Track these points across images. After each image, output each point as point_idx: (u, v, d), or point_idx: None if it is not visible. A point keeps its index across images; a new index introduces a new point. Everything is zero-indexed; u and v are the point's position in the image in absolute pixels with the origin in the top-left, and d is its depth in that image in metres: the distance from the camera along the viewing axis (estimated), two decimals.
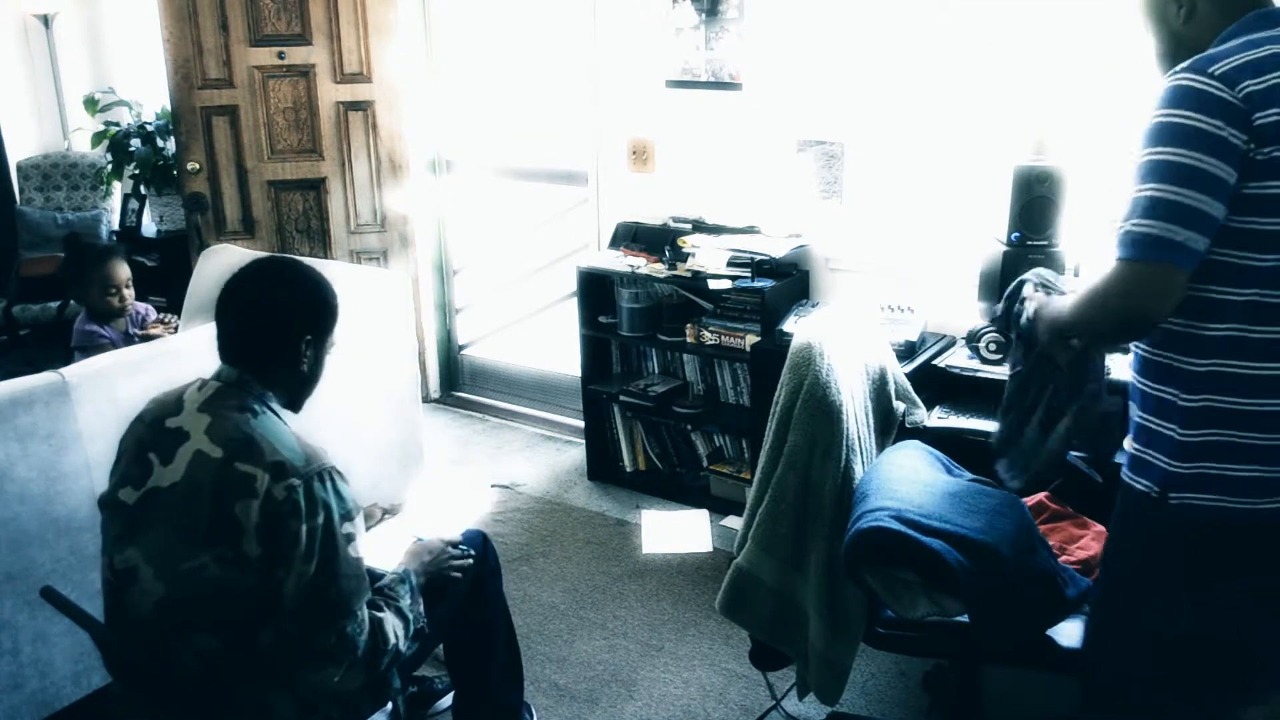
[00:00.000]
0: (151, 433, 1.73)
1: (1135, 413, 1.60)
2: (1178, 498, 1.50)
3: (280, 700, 1.70)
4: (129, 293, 2.97)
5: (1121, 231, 1.44)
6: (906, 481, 2.02)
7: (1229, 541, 1.49)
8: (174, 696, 1.65)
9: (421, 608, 1.91)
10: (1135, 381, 1.59)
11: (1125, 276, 1.44)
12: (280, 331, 1.77)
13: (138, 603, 1.67)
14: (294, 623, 1.63)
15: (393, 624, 1.77)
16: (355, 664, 1.68)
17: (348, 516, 1.69)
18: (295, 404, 1.85)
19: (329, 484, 1.67)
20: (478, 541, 2.24)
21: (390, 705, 1.86)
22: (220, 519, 1.62)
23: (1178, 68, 1.44)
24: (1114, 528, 1.66)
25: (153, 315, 3.04)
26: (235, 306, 1.79)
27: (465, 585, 2.17)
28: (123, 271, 2.96)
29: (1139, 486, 1.55)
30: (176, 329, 2.84)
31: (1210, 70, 1.41)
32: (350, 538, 1.69)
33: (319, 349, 1.84)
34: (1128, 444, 1.62)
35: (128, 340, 2.95)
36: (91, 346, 2.84)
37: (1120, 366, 2.55)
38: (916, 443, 2.29)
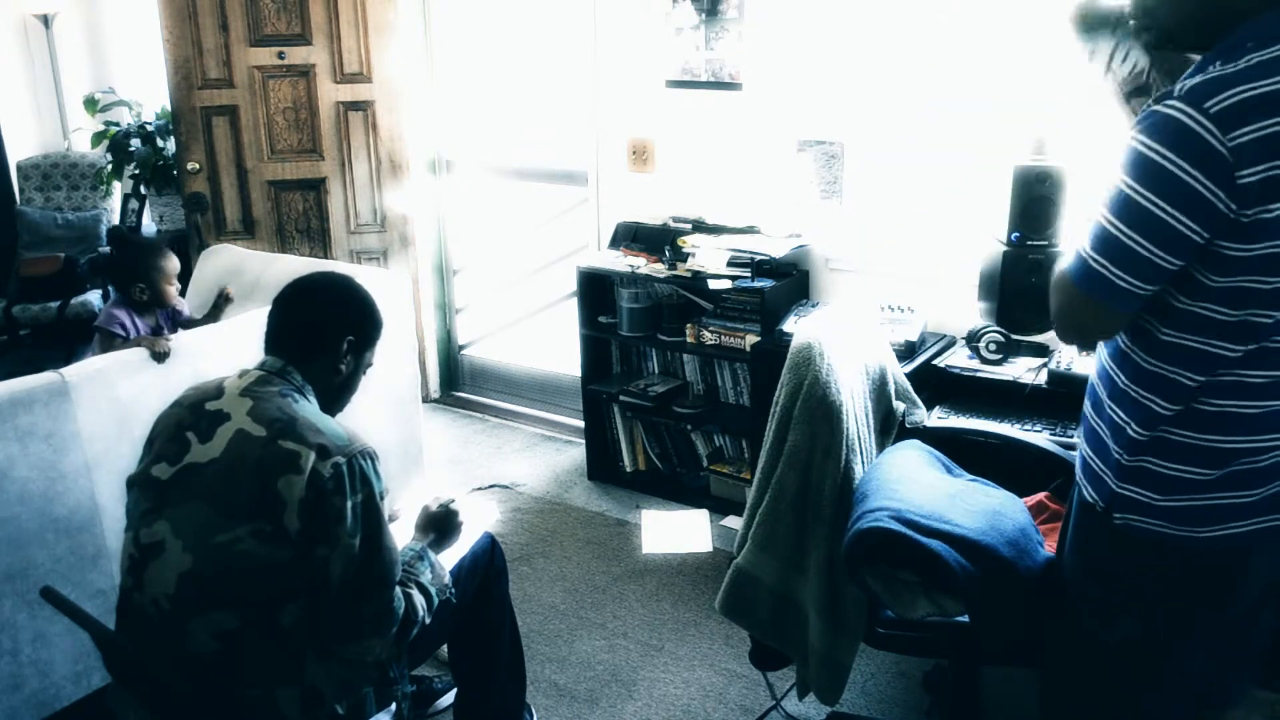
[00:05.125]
0: (191, 414, 1.76)
1: (1091, 415, 1.58)
2: (1121, 517, 1.50)
3: (285, 693, 1.70)
4: (178, 286, 3.10)
5: (1083, 258, 1.41)
6: (906, 481, 2.02)
7: (1169, 563, 1.50)
8: (177, 690, 1.65)
9: (448, 578, 2.00)
10: (1102, 394, 1.55)
11: (1068, 294, 1.44)
12: (326, 325, 1.87)
13: (160, 576, 1.67)
14: (340, 597, 1.68)
15: (419, 598, 1.85)
16: (392, 635, 1.77)
17: (383, 496, 1.76)
18: (328, 409, 1.88)
19: (369, 463, 1.73)
20: (486, 544, 2.25)
21: (394, 706, 1.87)
22: (262, 493, 1.65)
23: (1174, 94, 1.30)
24: (1066, 532, 1.67)
25: (186, 311, 3.11)
26: (289, 299, 1.89)
27: (471, 586, 2.18)
28: (175, 263, 3.08)
29: (1089, 497, 1.56)
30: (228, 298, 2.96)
31: (1206, 105, 1.27)
32: (386, 515, 1.78)
33: (358, 357, 1.92)
34: (1082, 448, 1.60)
35: (154, 333, 3.01)
36: (108, 330, 2.92)
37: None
38: (916, 442, 2.29)
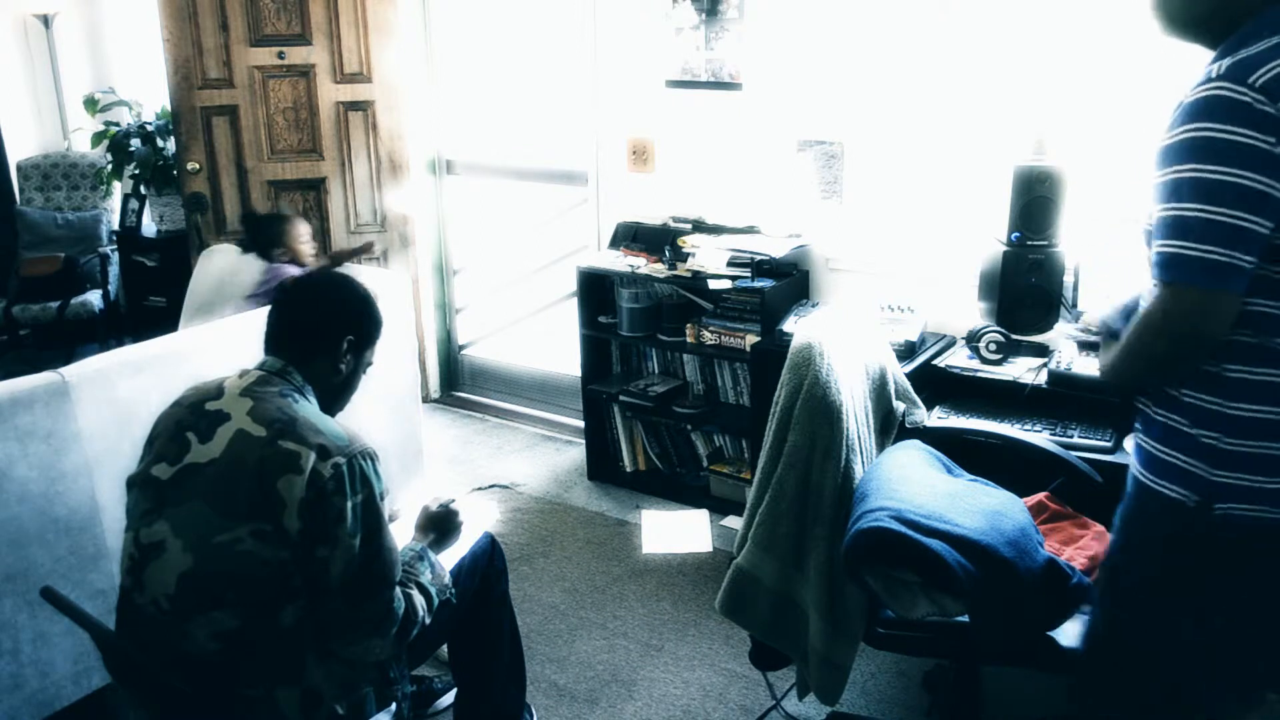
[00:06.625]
0: (191, 414, 1.76)
1: (1157, 413, 1.54)
2: (1223, 508, 1.45)
3: (285, 693, 1.70)
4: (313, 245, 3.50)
5: (1168, 253, 1.37)
6: (906, 481, 2.02)
7: (1268, 548, 1.47)
8: (177, 689, 1.65)
9: (448, 578, 2.00)
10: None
11: (1182, 300, 1.37)
12: (326, 324, 1.87)
13: (160, 577, 1.67)
14: (340, 597, 1.68)
15: (419, 598, 1.85)
16: (392, 636, 1.77)
17: (383, 496, 1.76)
18: (328, 409, 1.88)
19: (370, 463, 1.73)
20: (486, 544, 2.25)
21: (394, 706, 1.87)
22: (262, 494, 1.65)
23: (1212, 77, 1.34)
24: (1135, 530, 1.60)
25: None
26: (289, 299, 1.91)
27: (471, 585, 2.18)
28: (306, 226, 3.48)
29: (1172, 494, 1.50)
30: None
31: (1251, 80, 1.31)
32: (386, 515, 1.78)
33: (358, 356, 1.93)
34: (1148, 444, 1.55)
35: None
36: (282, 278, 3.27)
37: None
38: (916, 442, 2.29)
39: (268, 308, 1.93)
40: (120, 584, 1.77)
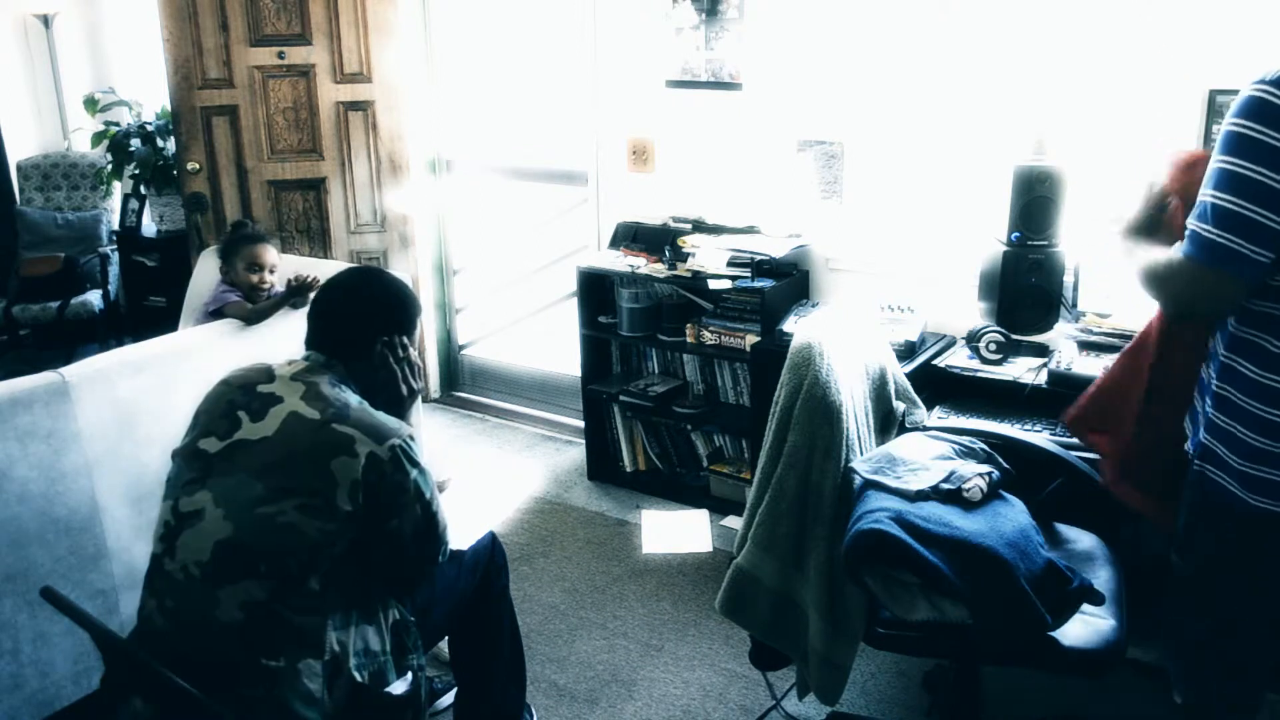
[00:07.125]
0: (243, 394, 1.81)
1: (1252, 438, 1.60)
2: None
3: (306, 664, 1.71)
4: (271, 277, 3.12)
5: (1189, 230, 1.53)
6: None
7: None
8: (198, 663, 1.66)
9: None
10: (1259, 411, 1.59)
11: (1187, 272, 1.53)
12: (358, 325, 1.92)
13: (195, 543, 1.70)
14: (413, 548, 1.81)
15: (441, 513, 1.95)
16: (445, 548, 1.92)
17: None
18: (382, 408, 1.90)
19: (413, 441, 1.82)
20: (487, 541, 2.26)
21: (410, 676, 1.87)
22: (314, 472, 1.70)
23: (1260, 76, 1.45)
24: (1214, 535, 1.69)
25: (280, 289, 3.11)
26: (324, 298, 1.96)
27: (473, 582, 2.18)
28: (269, 256, 3.13)
29: (1263, 506, 1.58)
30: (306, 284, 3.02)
31: None
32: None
33: (395, 354, 1.96)
34: (1227, 455, 1.62)
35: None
36: (221, 305, 3.03)
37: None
38: (920, 435, 2.29)
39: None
40: (151, 553, 1.79)
